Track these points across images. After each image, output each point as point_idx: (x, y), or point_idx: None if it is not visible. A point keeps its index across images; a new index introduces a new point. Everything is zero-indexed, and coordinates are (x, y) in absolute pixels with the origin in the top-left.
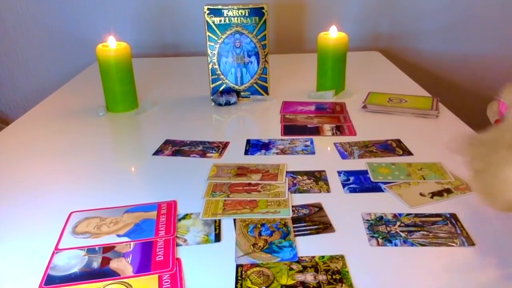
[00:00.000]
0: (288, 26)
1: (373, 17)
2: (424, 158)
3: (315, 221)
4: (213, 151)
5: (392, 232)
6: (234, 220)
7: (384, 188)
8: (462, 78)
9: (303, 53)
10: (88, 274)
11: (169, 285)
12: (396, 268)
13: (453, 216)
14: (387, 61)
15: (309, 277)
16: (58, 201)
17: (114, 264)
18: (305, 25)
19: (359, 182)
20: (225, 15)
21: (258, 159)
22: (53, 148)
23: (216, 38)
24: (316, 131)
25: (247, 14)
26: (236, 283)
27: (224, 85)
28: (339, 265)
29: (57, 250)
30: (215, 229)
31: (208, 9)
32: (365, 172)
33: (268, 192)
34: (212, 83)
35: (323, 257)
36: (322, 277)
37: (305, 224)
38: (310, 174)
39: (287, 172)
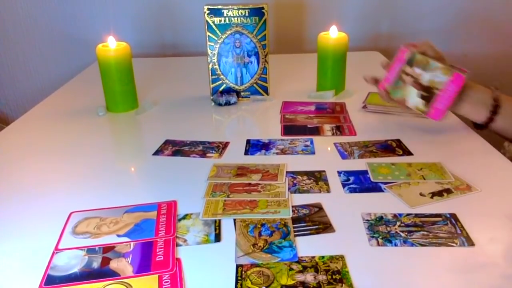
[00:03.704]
0: (288, 26)
1: (373, 17)
2: (424, 158)
3: (315, 221)
4: (213, 151)
5: (392, 232)
6: (234, 220)
7: (384, 188)
8: None
9: (303, 53)
10: (88, 274)
11: (169, 285)
12: (396, 268)
13: (453, 216)
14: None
15: (309, 277)
16: (58, 201)
17: (114, 264)
18: (305, 25)
19: (359, 182)
20: (225, 15)
21: (258, 159)
22: (53, 148)
23: (216, 38)
24: (316, 131)
25: (247, 14)
26: (236, 283)
27: (224, 85)
28: (339, 265)
29: (57, 250)
30: (215, 229)
31: (208, 9)
32: (365, 172)
33: (268, 192)
34: (212, 83)
35: (323, 257)
36: (322, 277)
37: (305, 224)
38: (310, 174)
39: (287, 172)
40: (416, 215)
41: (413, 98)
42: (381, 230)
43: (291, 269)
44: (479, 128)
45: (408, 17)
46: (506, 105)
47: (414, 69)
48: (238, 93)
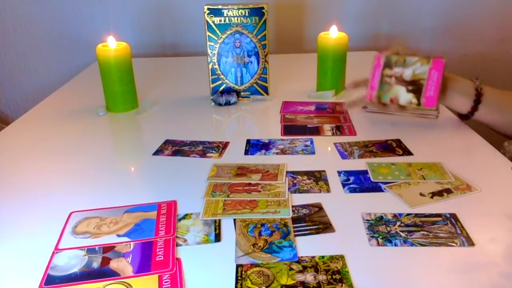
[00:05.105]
0: (288, 26)
1: (373, 17)
2: (424, 158)
3: (315, 221)
4: (213, 151)
5: (392, 232)
6: (234, 220)
7: (384, 188)
8: None
9: (303, 53)
10: (88, 274)
11: (169, 285)
12: (396, 268)
13: (453, 216)
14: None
15: (309, 277)
16: (58, 201)
17: (114, 264)
18: (305, 25)
19: (359, 182)
20: (225, 15)
21: (258, 159)
22: (53, 148)
23: (216, 38)
24: (316, 131)
25: (247, 14)
26: (236, 283)
27: (224, 85)
28: (339, 265)
29: (57, 250)
30: (215, 229)
31: (208, 9)
32: (365, 172)
33: (268, 192)
34: (212, 83)
35: (323, 257)
36: (322, 277)
37: (305, 224)
38: (310, 174)
39: (287, 172)
40: (416, 215)
41: (403, 95)
42: (381, 230)
43: (291, 269)
44: (464, 118)
45: (408, 17)
46: (488, 94)
47: (394, 70)
48: (238, 93)
